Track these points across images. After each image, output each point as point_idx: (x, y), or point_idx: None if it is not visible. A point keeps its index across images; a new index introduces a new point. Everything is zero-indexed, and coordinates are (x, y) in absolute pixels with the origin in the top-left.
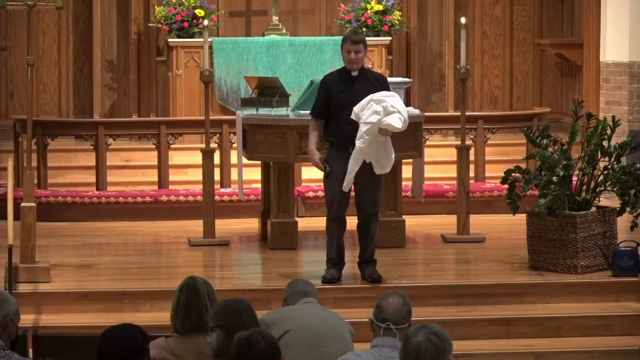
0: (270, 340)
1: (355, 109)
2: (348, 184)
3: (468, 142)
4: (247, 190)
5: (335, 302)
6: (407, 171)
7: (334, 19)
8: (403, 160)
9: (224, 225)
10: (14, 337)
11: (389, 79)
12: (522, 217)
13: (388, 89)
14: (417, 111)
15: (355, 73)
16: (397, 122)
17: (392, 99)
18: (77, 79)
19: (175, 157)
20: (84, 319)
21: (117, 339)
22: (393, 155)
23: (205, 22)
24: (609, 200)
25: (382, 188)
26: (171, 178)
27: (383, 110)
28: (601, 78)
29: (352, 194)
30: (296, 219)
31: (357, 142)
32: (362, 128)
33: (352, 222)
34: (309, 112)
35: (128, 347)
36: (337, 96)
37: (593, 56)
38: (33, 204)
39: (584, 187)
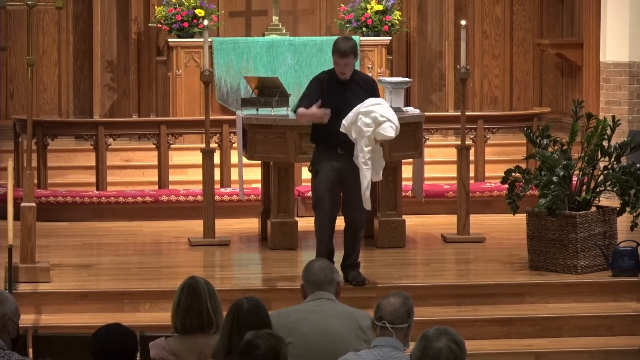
0: (272, 347)
1: (345, 122)
2: (367, 201)
3: (468, 142)
4: (247, 190)
5: None
6: (407, 171)
7: (334, 19)
8: (403, 160)
9: (224, 225)
10: (14, 335)
11: (389, 79)
12: (522, 217)
13: (376, 92)
14: (417, 111)
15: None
16: (389, 131)
17: (380, 107)
18: (77, 79)
19: (175, 157)
20: (84, 319)
21: (109, 338)
22: (383, 162)
23: (205, 22)
24: (609, 200)
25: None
26: (171, 178)
27: (373, 121)
28: (601, 78)
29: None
30: (296, 219)
31: (360, 160)
32: (358, 144)
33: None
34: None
35: (121, 347)
36: (327, 99)
37: (593, 56)
38: (33, 204)
39: (584, 187)
